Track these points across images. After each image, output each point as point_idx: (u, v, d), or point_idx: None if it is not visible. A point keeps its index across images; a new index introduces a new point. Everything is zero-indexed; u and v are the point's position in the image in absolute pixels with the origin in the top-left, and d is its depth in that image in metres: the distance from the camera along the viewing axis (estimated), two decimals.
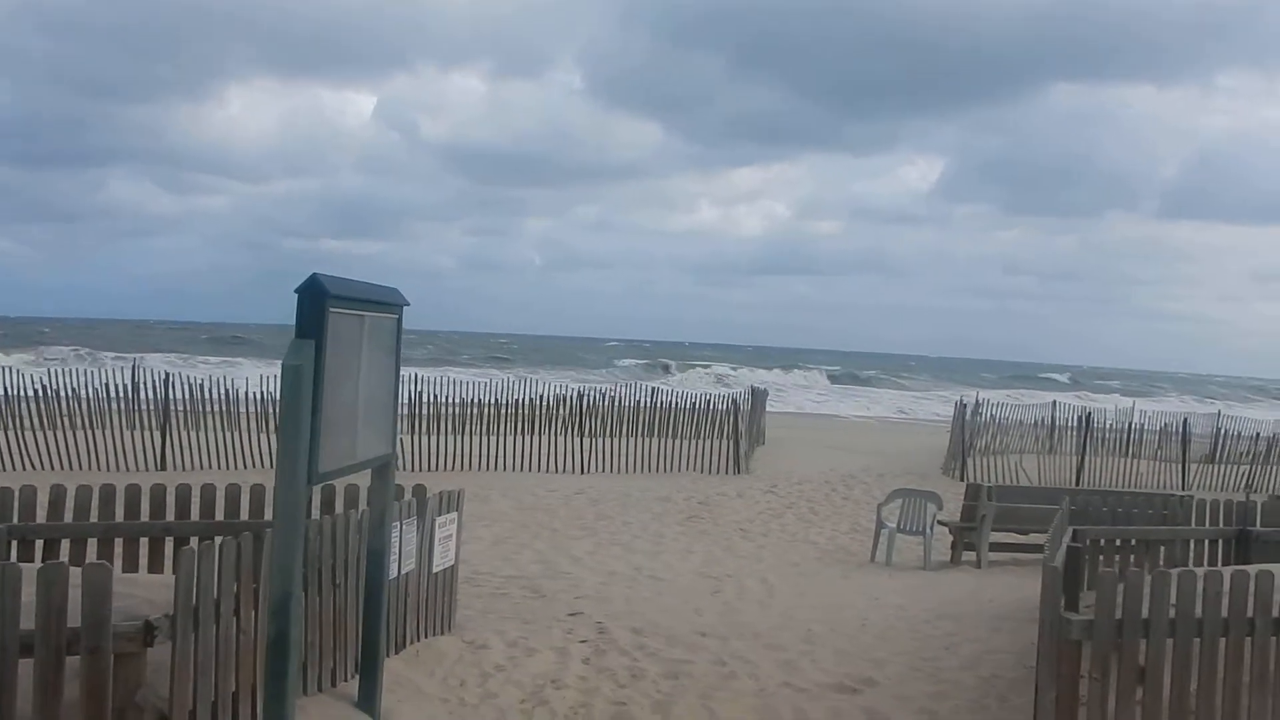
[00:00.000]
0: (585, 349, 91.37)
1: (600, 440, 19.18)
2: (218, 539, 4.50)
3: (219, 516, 6.60)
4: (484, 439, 18.40)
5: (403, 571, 6.37)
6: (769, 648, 7.12)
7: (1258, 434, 21.42)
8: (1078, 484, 19.93)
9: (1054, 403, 26.23)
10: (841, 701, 6.10)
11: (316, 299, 4.30)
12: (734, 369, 63.14)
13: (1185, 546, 8.98)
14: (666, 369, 64.67)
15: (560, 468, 18.43)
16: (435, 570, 6.91)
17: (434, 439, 18.27)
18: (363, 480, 5.44)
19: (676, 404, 20.76)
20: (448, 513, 7.10)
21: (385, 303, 5.06)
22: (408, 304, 5.30)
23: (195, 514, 6.58)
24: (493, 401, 19.81)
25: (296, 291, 4.34)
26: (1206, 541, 9.04)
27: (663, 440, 19.36)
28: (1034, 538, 11.79)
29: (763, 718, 5.85)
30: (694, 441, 19.57)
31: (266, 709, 4.21)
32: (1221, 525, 9.14)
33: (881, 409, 49.62)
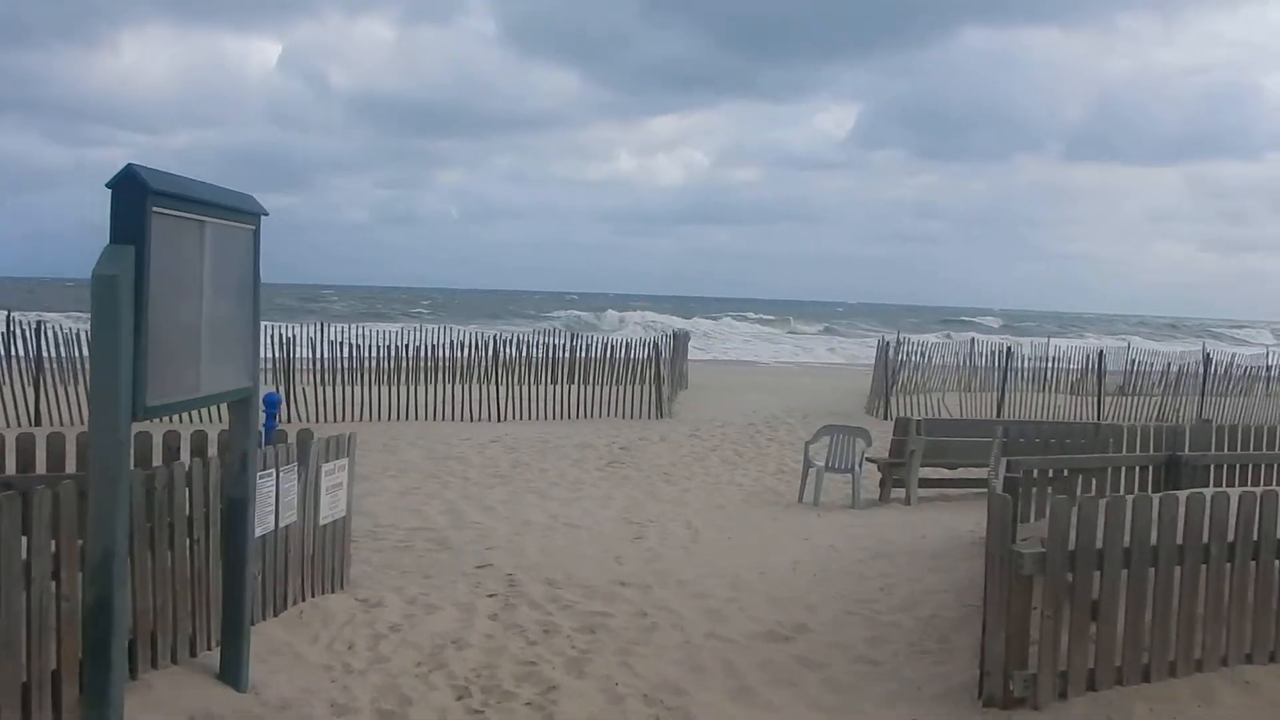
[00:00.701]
0: (511, 301, 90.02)
1: (520, 388, 18.46)
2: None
3: (71, 469, 5.76)
4: (397, 389, 17.54)
5: (282, 524, 5.66)
6: (694, 596, 6.61)
7: (1169, 365, 21.65)
8: (999, 418, 19.91)
9: (972, 339, 26.33)
10: (773, 651, 5.60)
11: (135, 196, 3.53)
12: (655, 317, 62.53)
13: (1117, 474, 8.70)
14: (598, 319, 63.80)
15: (477, 416, 17.70)
16: (323, 523, 6.20)
17: (349, 390, 17.38)
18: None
19: (598, 349, 20.14)
20: (336, 459, 6.37)
21: (235, 209, 4.28)
22: (265, 213, 4.53)
23: (42, 466, 5.74)
24: (409, 351, 18.95)
25: (109, 186, 3.56)
26: (1137, 468, 8.78)
27: (584, 387, 18.71)
28: (963, 473, 11.53)
29: (688, 672, 5.31)
30: (616, 387, 18.98)
31: (87, 687, 3.50)
32: (1152, 451, 8.89)
33: (803, 354, 49.71)
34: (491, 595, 6.52)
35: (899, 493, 11.10)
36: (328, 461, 6.23)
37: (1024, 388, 21.13)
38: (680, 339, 23.61)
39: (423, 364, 18.63)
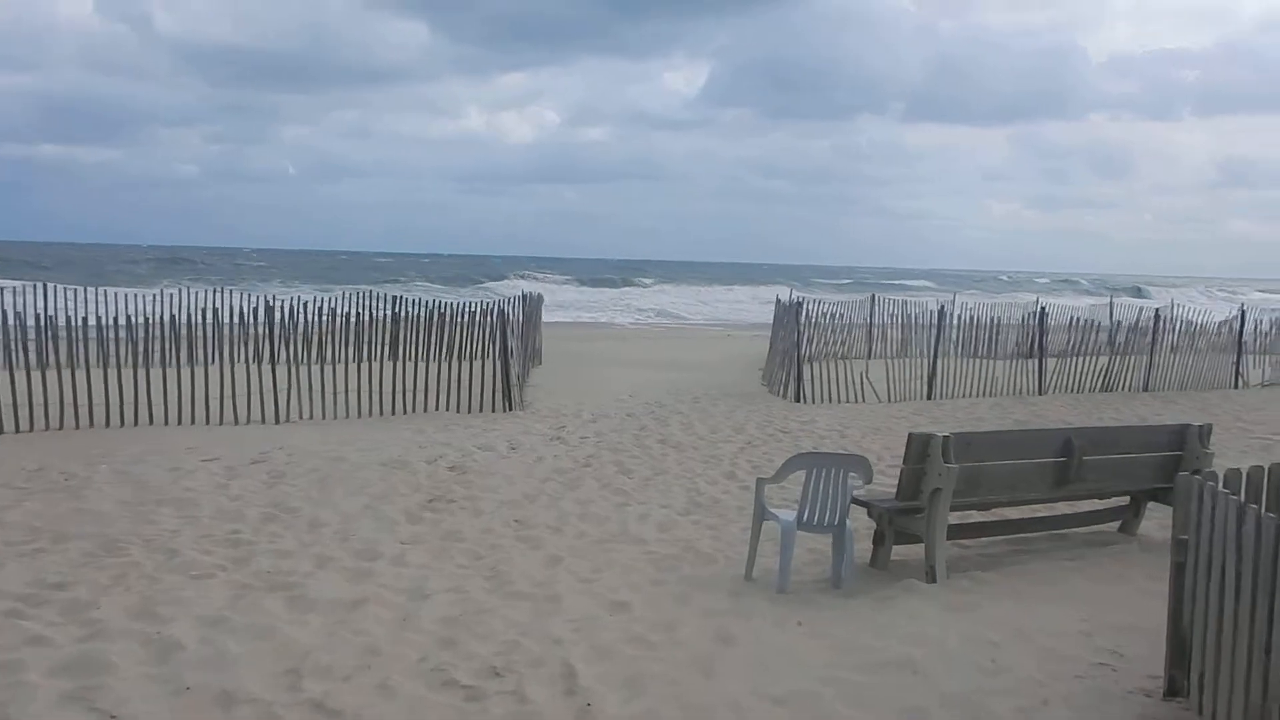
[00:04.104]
0: (354, 264, 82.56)
1: (312, 371, 13.30)
2: None
3: None
4: (119, 375, 12.10)
5: None
6: None
7: (1118, 322, 18.31)
8: (930, 395, 16.06)
9: (873, 297, 22.59)
10: None
11: None
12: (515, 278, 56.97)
13: None
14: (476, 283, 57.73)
15: (244, 415, 12.48)
16: None
17: (60, 377, 11.88)
18: None
19: (419, 317, 15.20)
20: None
21: None
22: None
23: None
24: (145, 323, 13.47)
25: None
26: None
27: (405, 367, 13.69)
28: (1000, 512, 7.35)
29: None
30: (446, 367, 14.08)
31: None
32: None
33: (657, 316, 45.58)
34: None
35: (904, 553, 6.79)
36: None
37: (955, 354, 17.35)
38: (533, 302, 18.78)
39: (164, 340, 13.23)
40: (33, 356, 12.18)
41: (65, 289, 16.78)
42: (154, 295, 17.51)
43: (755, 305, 49.48)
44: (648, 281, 67.29)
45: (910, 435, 6.54)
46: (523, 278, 59.23)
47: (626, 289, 59.29)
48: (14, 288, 16.25)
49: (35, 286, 15.80)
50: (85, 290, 16.66)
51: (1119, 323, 17.95)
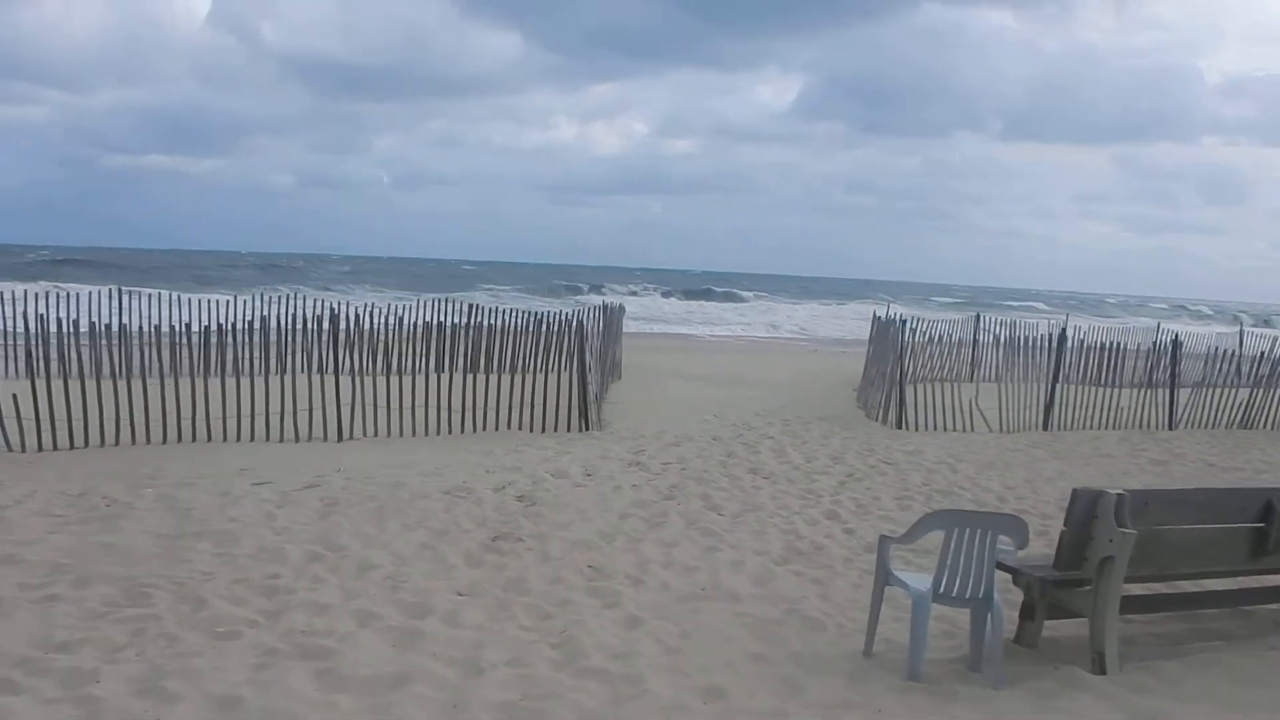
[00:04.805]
0: (438, 271, 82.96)
1: (376, 384, 12.51)
2: None
3: None
4: (177, 387, 11.45)
5: None
6: None
7: (1261, 353, 16.55)
8: (1046, 425, 14.63)
9: (977, 316, 21.16)
10: None
11: None
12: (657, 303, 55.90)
13: None
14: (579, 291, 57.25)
15: (306, 431, 11.73)
16: None
17: (109, 388, 11.28)
18: None
19: (488, 326, 14.36)
20: None
21: None
22: None
23: None
24: (202, 331, 12.83)
25: None
26: None
27: (472, 381, 12.81)
28: (1172, 583, 6.05)
29: None
30: (521, 379, 13.17)
31: None
32: None
33: (740, 329, 44.37)
34: None
35: (1054, 628, 5.59)
36: None
37: (1075, 381, 15.87)
38: (613, 314, 17.83)
39: (221, 350, 12.57)
40: (86, 365, 11.56)
41: (131, 292, 16.34)
42: (227, 301, 16.99)
43: (836, 320, 47.98)
44: (748, 295, 65.87)
45: (1075, 492, 5.34)
46: (634, 293, 58.12)
47: (703, 303, 58.03)
48: (74, 293, 15.89)
49: (100, 291, 15.39)
50: (141, 295, 16.17)
51: (1262, 353, 16.20)
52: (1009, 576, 5.67)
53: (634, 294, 58.14)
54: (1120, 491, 5.26)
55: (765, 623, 5.88)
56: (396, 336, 14.11)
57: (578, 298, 51.93)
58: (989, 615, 5.12)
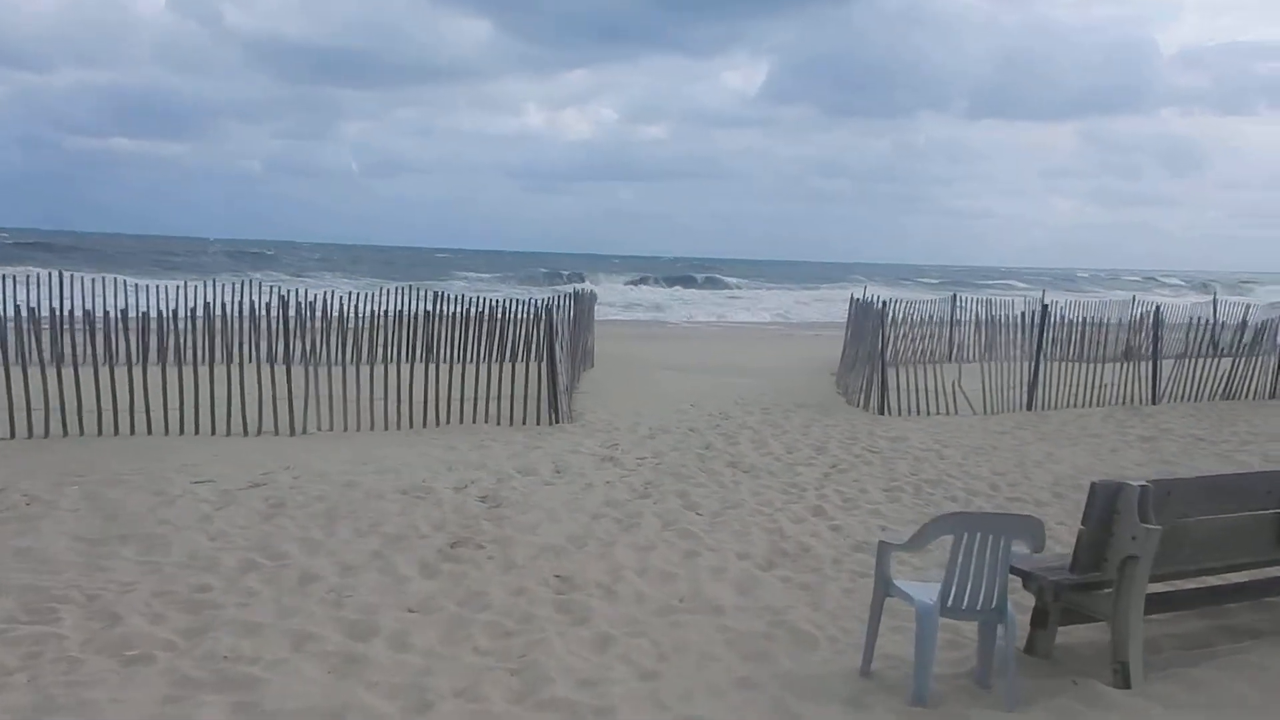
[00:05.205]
0: (412, 259, 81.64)
1: (325, 372, 11.80)
2: None
3: None
4: (110, 374, 10.69)
5: None
6: None
7: (1244, 321, 16.17)
8: (1030, 405, 14.14)
9: (954, 296, 20.65)
10: None
11: None
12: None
13: None
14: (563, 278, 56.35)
15: (254, 425, 11.01)
16: None
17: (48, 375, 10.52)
18: None
19: (453, 314, 13.68)
20: None
21: None
22: None
23: None
24: (155, 316, 12.07)
25: None
26: None
27: (435, 371, 12.13)
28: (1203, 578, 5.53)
29: None
30: (488, 370, 12.50)
31: None
32: None
33: (713, 312, 43.81)
34: None
35: (1071, 635, 5.05)
36: None
37: (1056, 358, 15.38)
38: (584, 301, 17.16)
39: (161, 337, 11.82)
40: (30, 352, 10.76)
41: (72, 275, 15.49)
42: (177, 286, 16.19)
43: (819, 303, 47.50)
44: (732, 281, 65.08)
45: (1093, 485, 4.78)
46: (632, 283, 57.16)
47: (675, 289, 57.34)
48: (12, 276, 15.06)
49: (39, 274, 14.57)
50: (87, 280, 15.31)
51: (1245, 322, 15.83)
52: (1017, 580, 5.12)
53: (632, 284, 57.13)
54: (1143, 483, 4.71)
55: (751, 638, 5.29)
56: (354, 324, 13.40)
57: (555, 286, 51.18)
58: (1008, 632, 4.55)
